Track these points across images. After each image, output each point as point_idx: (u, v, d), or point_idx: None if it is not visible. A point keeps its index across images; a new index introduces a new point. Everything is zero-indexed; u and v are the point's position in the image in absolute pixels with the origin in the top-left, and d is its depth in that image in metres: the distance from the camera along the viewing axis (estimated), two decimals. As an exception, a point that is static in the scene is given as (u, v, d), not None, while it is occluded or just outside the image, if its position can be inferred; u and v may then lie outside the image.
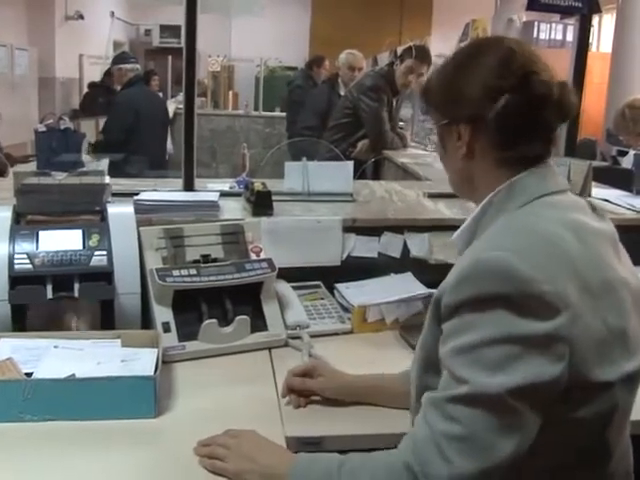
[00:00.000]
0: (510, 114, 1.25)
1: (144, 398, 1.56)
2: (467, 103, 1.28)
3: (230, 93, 9.68)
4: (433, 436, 1.11)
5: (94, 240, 1.91)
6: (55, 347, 1.72)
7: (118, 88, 6.14)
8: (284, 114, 8.11)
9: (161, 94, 7.64)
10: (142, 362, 1.67)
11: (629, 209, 2.73)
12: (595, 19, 10.22)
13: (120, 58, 6.15)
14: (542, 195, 1.25)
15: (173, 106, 7.44)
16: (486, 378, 1.08)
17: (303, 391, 1.68)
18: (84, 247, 1.90)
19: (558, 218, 1.22)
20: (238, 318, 1.93)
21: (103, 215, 2.01)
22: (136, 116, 5.57)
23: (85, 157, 3.41)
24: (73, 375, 1.59)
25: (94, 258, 1.88)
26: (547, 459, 1.17)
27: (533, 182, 1.27)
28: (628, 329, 1.20)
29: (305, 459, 1.29)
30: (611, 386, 1.16)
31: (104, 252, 1.89)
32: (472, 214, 1.35)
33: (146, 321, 1.93)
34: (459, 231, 1.39)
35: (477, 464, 1.08)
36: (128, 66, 5.88)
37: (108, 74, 6.47)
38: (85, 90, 8.83)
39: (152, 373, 1.60)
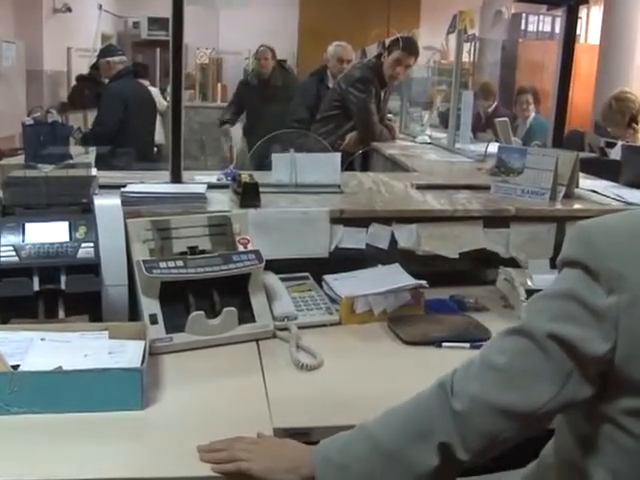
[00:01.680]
0: None
1: (131, 390, 1.55)
2: None
3: (219, 85, 9.66)
4: (477, 359, 1.23)
5: (81, 232, 1.91)
6: (42, 339, 1.72)
7: (106, 81, 6.11)
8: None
9: (153, 88, 7.59)
10: (129, 354, 1.67)
11: (616, 200, 2.74)
12: (583, 11, 10.25)
13: (108, 51, 6.12)
14: None
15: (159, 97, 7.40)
16: (539, 320, 1.18)
17: None
18: (71, 239, 1.89)
19: None
20: (225, 310, 1.92)
21: (90, 207, 2.00)
22: (125, 108, 5.55)
23: (74, 148, 3.40)
24: (60, 367, 1.58)
25: (81, 250, 1.87)
26: None
27: None
28: None
29: (326, 440, 1.34)
30: None
31: (91, 244, 1.89)
32: None
33: (133, 313, 1.93)
34: None
35: (505, 399, 1.17)
36: (116, 59, 5.86)
37: (95, 67, 6.43)
38: (73, 83, 8.77)
39: (139, 365, 1.60)
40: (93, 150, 2.85)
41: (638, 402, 1.15)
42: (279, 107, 6.13)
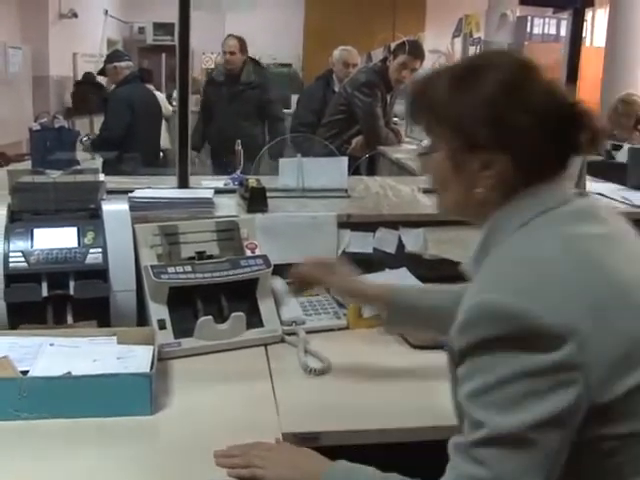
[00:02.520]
0: (543, 146, 1.20)
1: (140, 395, 1.55)
2: (504, 129, 1.19)
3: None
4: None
5: (89, 238, 1.91)
6: (51, 345, 1.72)
7: (112, 86, 6.13)
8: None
9: (158, 93, 7.62)
10: (138, 359, 1.68)
11: (624, 203, 2.74)
12: (588, 13, 10.24)
13: (114, 56, 6.14)
14: (544, 211, 1.21)
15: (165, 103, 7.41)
16: (502, 418, 1.07)
17: (308, 278, 1.83)
18: (79, 245, 1.90)
19: (557, 236, 1.18)
20: (234, 315, 1.93)
21: (98, 213, 2.01)
22: (132, 113, 5.57)
23: (80, 154, 3.41)
24: (69, 373, 1.59)
25: (89, 256, 1.88)
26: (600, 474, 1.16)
27: (536, 198, 1.22)
28: None
29: (343, 464, 1.30)
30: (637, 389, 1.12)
31: (99, 249, 1.89)
32: (478, 241, 1.29)
33: (142, 318, 1.93)
34: (469, 260, 1.33)
35: None
36: (123, 64, 5.87)
37: (102, 72, 6.45)
38: (72, 89, 8.81)
39: (148, 370, 1.61)
40: (99, 157, 2.85)
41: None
42: (249, 107, 5.78)
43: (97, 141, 5.37)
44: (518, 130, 1.19)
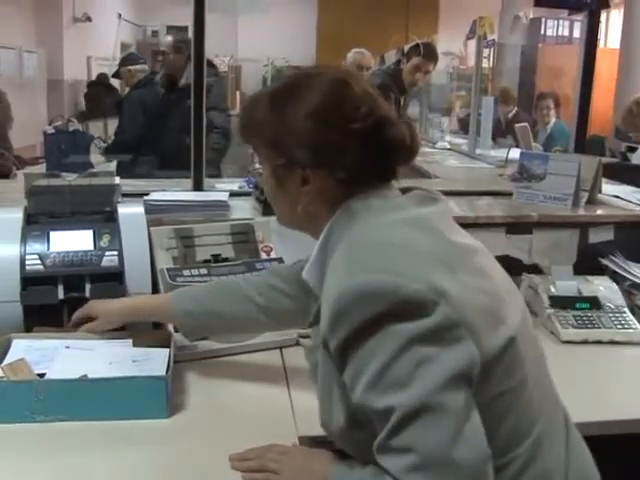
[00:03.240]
0: (362, 158, 1.24)
1: (156, 398, 1.56)
2: (313, 146, 1.24)
3: (237, 93, 9.68)
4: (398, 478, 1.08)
5: (105, 240, 1.92)
6: (67, 347, 1.73)
7: (126, 89, 6.15)
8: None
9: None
10: (154, 362, 1.68)
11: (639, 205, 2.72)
12: (603, 15, 10.19)
13: (129, 59, 6.15)
14: (382, 210, 1.24)
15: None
16: (404, 394, 1.06)
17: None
18: (95, 247, 1.91)
19: (394, 218, 1.22)
20: (249, 317, 1.92)
21: (114, 215, 2.02)
22: (146, 118, 5.58)
23: (95, 157, 3.42)
24: (85, 376, 1.59)
25: (105, 258, 1.89)
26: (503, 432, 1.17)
27: (369, 202, 1.25)
28: (498, 286, 1.24)
29: (342, 468, 1.28)
30: (512, 341, 1.17)
31: (115, 252, 1.90)
32: (316, 246, 1.31)
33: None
34: (307, 267, 1.35)
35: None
36: (138, 67, 5.89)
37: (117, 75, 6.47)
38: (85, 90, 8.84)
39: (164, 373, 1.61)
40: (114, 160, 2.86)
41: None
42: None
43: (111, 146, 5.38)
44: (332, 148, 1.24)
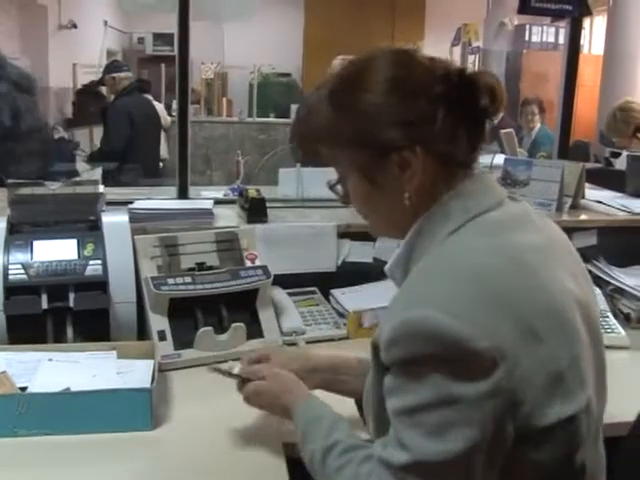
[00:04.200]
0: (455, 125, 1.16)
1: (141, 410, 1.55)
2: (403, 119, 1.15)
3: (224, 100, 9.67)
4: None
5: (89, 249, 1.91)
6: (49, 360, 1.71)
7: (111, 97, 6.14)
8: (279, 120, 8.13)
9: (157, 103, 7.62)
10: (138, 373, 1.67)
11: (623, 210, 2.74)
12: (586, 21, 10.26)
13: (113, 67, 6.15)
14: (475, 215, 1.16)
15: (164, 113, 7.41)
16: (426, 444, 1.04)
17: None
18: (79, 257, 1.90)
19: (493, 246, 1.13)
20: (234, 325, 1.93)
21: (97, 224, 2.01)
22: (132, 124, 5.57)
23: (80, 165, 3.41)
24: (68, 388, 1.58)
25: (89, 267, 1.88)
26: None
27: (465, 201, 1.18)
28: (580, 354, 1.13)
29: (312, 409, 1.36)
30: (572, 419, 1.10)
31: (99, 261, 1.89)
32: (403, 242, 1.24)
33: (142, 330, 1.93)
34: (391, 262, 1.28)
35: None
36: (122, 74, 5.88)
37: (101, 83, 6.45)
38: (73, 98, 8.81)
39: (148, 385, 1.60)
40: (99, 167, 2.86)
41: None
42: None
43: (97, 155, 5.37)
44: (420, 117, 1.14)
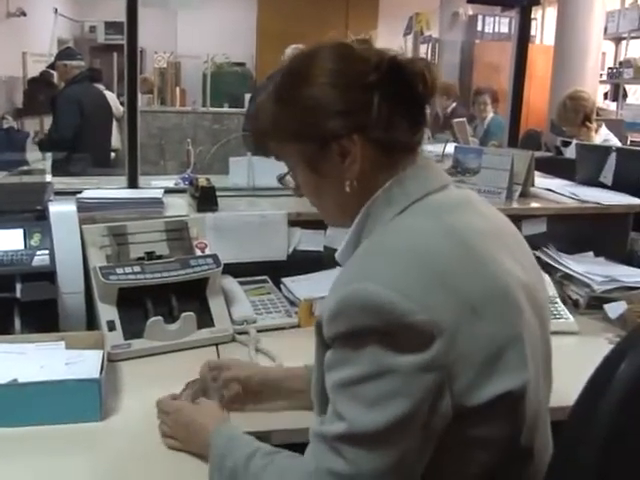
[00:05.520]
0: (392, 111, 1.19)
1: (89, 401, 1.53)
2: (341, 110, 1.19)
3: (177, 90, 9.59)
4: (319, 472, 1.08)
5: (35, 239, 1.89)
6: (-4, 350, 1.69)
7: (62, 84, 6.05)
8: (232, 110, 8.10)
9: (109, 93, 7.53)
10: (87, 364, 1.65)
11: (572, 198, 2.78)
12: (538, 12, 10.38)
13: (65, 54, 6.06)
14: (421, 197, 1.20)
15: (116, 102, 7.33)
16: (364, 415, 1.06)
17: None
18: (25, 247, 1.87)
19: (436, 226, 1.16)
20: (184, 315, 1.92)
21: (45, 214, 1.98)
22: (81, 113, 5.50)
23: (31, 154, 3.35)
24: (15, 380, 1.56)
25: (36, 258, 1.85)
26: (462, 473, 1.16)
27: (410, 184, 1.21)
28: (522, 334, 1.15)
29: (228, 432, 1.34)
30: (509, 396, 1.12)
31: (46, 251, 1.87)
32: (351, 229, 1.27)
33: (91, 320, 1.91)
34: (341, 249, 1.31)
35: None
36: (74, 62, 5.80)
37: (51, 68, 6.35)
38: (25, 87, 8.67)
39: (97, 375, 1.58)
40: (49, 156, 2.81)
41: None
42: None
43: (46, 142, 5.29)
44: (355, 106, 1.19)
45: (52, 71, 7.15)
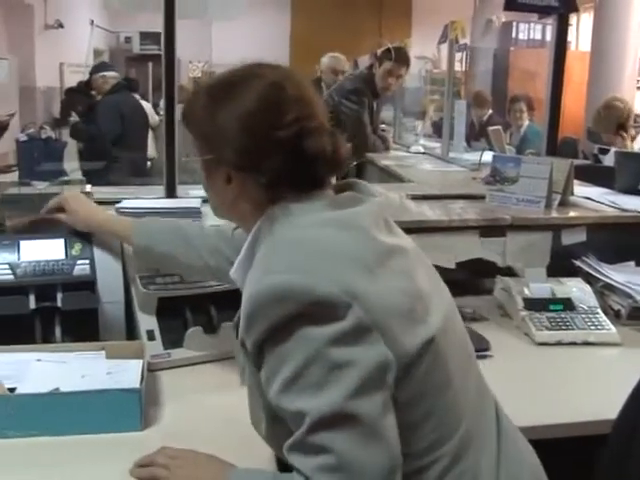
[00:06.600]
0: (283, 166, 1.24)
1: (130, 411, 1.54)
2: (237, 148, 1.26)
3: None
4: (313, 478, 1.08)
5: (76, 249, 1.90)
6: (38, 360, 1.70)
7: (99, 97, 6.12)
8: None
9: (145, 102, 7.60)
10: (127, 373, 1.66)
11: (612, 206, 2.75)
12: (573, 18, 10.29)
13: (101, 66, 6.18)
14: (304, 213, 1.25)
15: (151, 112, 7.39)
16: (318, 400, 1.07)
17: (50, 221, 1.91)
18: (66, 256, 1.89)
19: (317, 218, 1.22)
20: (224, 325, 1.91)
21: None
22: (122, 122, 5.57)
23: (68, 164, 3.39)
24: (57, 389, 1.57)
25: (77, 267, 1.87)
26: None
27: (294, 207, 1.25)
28: (420, 287, 1.23)
29: (241, 470, 1.30)
30: (430, 342, 1.17)
31: (87, 261, 1.88)
32: (244, 247, 1.34)
33: (130, 329, 1.92)
34: (235, 266, 1.38)
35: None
36: (111, 74, 5.91)
37: (87, 83, 6.45)
38: (62, 97, 8.78)
39: (138, 385, 1.59)
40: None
41: None
42: None
43: (84, 132, 5.39)
44: (254, 153, 1.25)
45: (84, 82, 7.25)
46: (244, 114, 1.25)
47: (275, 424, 1.21)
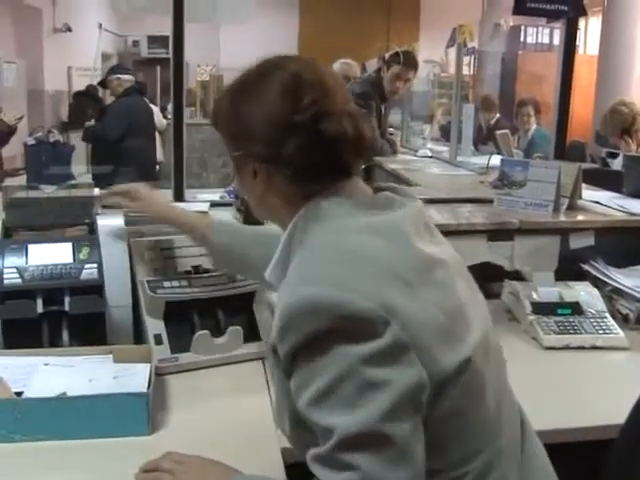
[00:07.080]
0: (305, 153, 1.23)
1: (137, 415, 1.54)
2: (259, 140, 1.26)
3: (220, 102, 9.66)
4: None
5: (84, 253, 1.90)
6: (45, 364, 1.70)
7: (112, 98, 6.18)
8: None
9: (153, 106, 7.63)
10: (135, 378, 1.66)
11: (620, 210, 2.74)
12: (581, 22, 10.27)
13: (118, 68, 6.27)
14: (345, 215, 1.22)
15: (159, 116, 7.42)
16: (349, 417, 1.05)
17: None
18: (74, 260, 1.89)
19: (353, 223, 1.20)
20: (231, 329, 1.92)
21: (93, 228, 2.00)
22: (130, 123, 5.61)
23: (76, 167, 3.39)
24: (64, 393, 1.57)
25: (84, 271, 1.87)
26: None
27: (335, 203, 1.24)
28: (461, 302, 1.21)
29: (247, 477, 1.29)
30: (468, 361, 1.15)
31: (94, 265, 1.88)
32: (279, 246, 1.32)
33: (138, 333, 1.92)
34: (270, 267, 1.35)
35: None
36: (126, 77, 5.96)
37: (102, 84, 6.49)
38: (70, 101, 8.81)
39: (145, 389, 1.59)
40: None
41: None
42: None
43: (91, 134, 5.45)
44: (276, 143, 1.24)
45: (97, 86, 7.29)
46: (263, 104, 1.26)
47: (299, 428, 1.19)
